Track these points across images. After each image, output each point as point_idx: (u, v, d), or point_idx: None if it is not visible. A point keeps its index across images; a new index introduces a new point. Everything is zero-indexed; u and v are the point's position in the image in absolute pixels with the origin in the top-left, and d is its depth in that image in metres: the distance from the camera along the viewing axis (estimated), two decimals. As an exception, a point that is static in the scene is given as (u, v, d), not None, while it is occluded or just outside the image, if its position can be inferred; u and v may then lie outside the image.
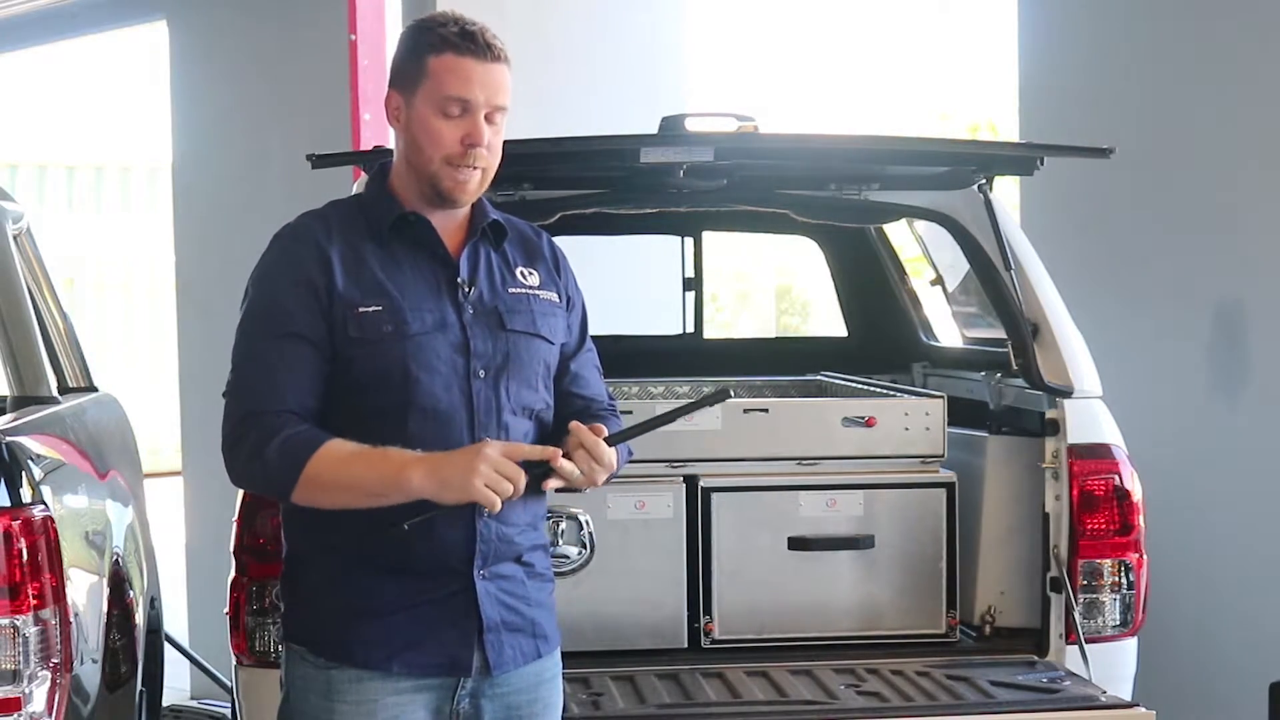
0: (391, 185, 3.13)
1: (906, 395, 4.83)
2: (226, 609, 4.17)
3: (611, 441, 3.03)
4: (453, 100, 3.01)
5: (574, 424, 3.03)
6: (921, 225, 5.39)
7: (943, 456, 4.61)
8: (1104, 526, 4.42)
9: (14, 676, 3.39)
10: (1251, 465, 5.57)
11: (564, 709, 3.32)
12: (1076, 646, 4.37)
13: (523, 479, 2.91)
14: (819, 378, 5.57)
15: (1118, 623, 4.44)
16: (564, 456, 2.98)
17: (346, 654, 3.04)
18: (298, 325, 3.01)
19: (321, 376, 3.02)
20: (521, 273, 3.18)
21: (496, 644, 3.07)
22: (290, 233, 3.11)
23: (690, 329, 6.12)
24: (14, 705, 3.39)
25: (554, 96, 7.13)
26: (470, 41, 3.03)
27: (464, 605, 3.05)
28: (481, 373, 3.05)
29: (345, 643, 3.04)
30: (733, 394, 3.21)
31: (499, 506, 2.90)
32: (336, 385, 3.03)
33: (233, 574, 4.16)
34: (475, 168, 3.04)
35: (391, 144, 3.18)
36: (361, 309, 3.01)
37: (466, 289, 3.09)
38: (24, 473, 3.49)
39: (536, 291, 3.17)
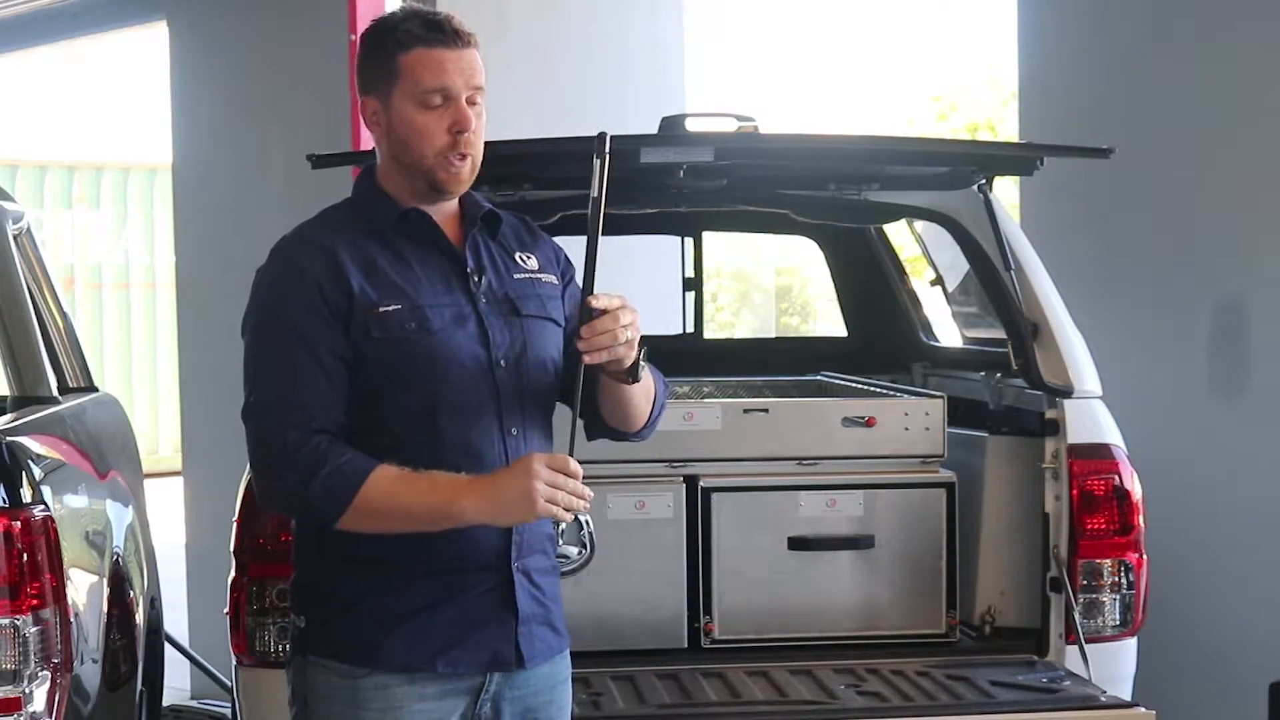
0: (381, 186, 3.09)
1: (906, 395, 4.83)
2: (226, 609, 4.16)
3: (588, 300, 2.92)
4: (433, 92, 2.98)
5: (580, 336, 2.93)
6: (921, 225, 5.39)
7: (943, 456, 4.61)
8: (1104, 526, 4.42)
9: (14, 676, 3.39)
10: (1251, 465, 5.57)
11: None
12: (1076, 646, 4.36)
13: (580, 475, 2.86)
14: (819, 378, 5.57)
15: (1117, 623, 4.45)
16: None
17: (384, 659, 2.98)
18: (312, 336, 2.95)
19: (344, 384, 2.96)
20: (520, 257, 3.16)
21: (529, 636, 3.06)
22: (291, 242, 3.06)
23: (690, 329, 6.12)
24: (14, 705, 3.38)
25: (554, 96, 7.14)
26: (438, 32, 3.00)
27: (502, 599, 3.03)
28: (503, 362, 3.03)
29: (383, 647, 2.98)
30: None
31: (572, 516, 2.89)
32: (361, 387, 2.98)
33: (233, 574, 4.16)
34: (466, 155, 3.02)
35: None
36: (382, 308, 2.97)
37: (477, 278, 3.07)
38: (24, 473, 3.49)
39: (539, 275, 3.15)
